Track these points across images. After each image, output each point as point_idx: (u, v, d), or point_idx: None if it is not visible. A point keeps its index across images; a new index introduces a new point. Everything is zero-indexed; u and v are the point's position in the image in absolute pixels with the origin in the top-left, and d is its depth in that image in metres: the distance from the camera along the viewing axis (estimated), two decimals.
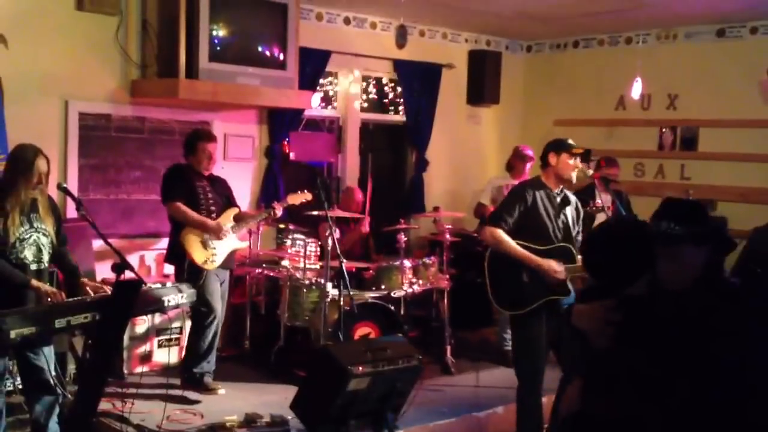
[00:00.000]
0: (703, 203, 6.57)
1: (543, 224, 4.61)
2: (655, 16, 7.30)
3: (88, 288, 4.20)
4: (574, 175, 4.69)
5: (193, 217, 5.34)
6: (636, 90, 7.15)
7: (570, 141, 4.73)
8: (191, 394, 5.37)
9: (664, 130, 7.93)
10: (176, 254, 5.42)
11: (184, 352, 5.73)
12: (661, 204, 2.66)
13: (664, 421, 2.43)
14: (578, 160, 4.68)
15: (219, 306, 5.45)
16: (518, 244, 4.55)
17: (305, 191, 5.91)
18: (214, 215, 5.49)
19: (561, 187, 4.71)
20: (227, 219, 5.56)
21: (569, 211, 4.72)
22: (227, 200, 5.67)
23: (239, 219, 5.64)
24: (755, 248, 6.55)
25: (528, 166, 6.94)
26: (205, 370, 5.46)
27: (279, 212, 5.74)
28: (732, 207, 7.27)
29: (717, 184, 7.49)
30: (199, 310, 5.37)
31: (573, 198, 4.81)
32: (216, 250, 5.43)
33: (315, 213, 5.99)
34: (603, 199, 6.39)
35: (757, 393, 2.44)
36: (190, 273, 5.28)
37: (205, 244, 5.38)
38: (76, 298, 4.06)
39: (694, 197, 6.78)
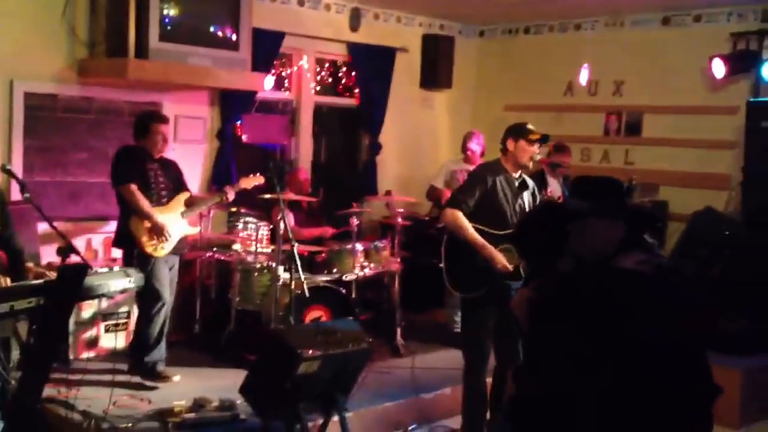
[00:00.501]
0: (627, 183, 6.78)
1: (501, 208, 4.67)
2: (604, 2, 7.41)
3: (32, 273, 4.14)
4: (531, 162, 4.76)
5: (142, 206, 5.24)
6: (583, 76, 7.27)
7: (529, 126, 4.76)
8: (140, 380, 5.30)
9: (610, 115, 8.08)
10: (124, 239, 5.35)
11: (132, 339, 5.69)
12: (573, 181, 2.73)
13: (597, 397, 2.47)
14: (537, 146, 4.74)
15: (168, 293, 5.40)
16: (475, 227, 4.60)
17: (257, 174, 5.88)
18: (164, 200, 5.43)
19: (519, 171, 4.78)
20: (178, 204, 5.50)
21: (527, 195, 4.79)
22: (178, 184, 5.61)
23: (190, 203, 5.59)
24: (694, 231, 6.75)
25: (470, 154, 7.02)
26: (156, 359, 5.39)
27: (231, 196, 5.70)
28: (673, 191, 7.46)
29: (659, 169, 7.65)
30: (148, 298, 5.31)
31: (531, 183, 4.87)
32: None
33: (267, 196, 5.97)
34: (552, 184, 6.49)
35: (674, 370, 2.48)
36: (138, 259, 5.22)
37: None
38: (19, 283, 3.99)
39: (637, 182, 6.94)
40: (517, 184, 4.75)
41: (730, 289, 6.11)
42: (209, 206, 5.94)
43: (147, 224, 5.26)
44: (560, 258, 2.63)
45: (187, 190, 5.68)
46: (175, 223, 5.42)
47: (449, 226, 4.72)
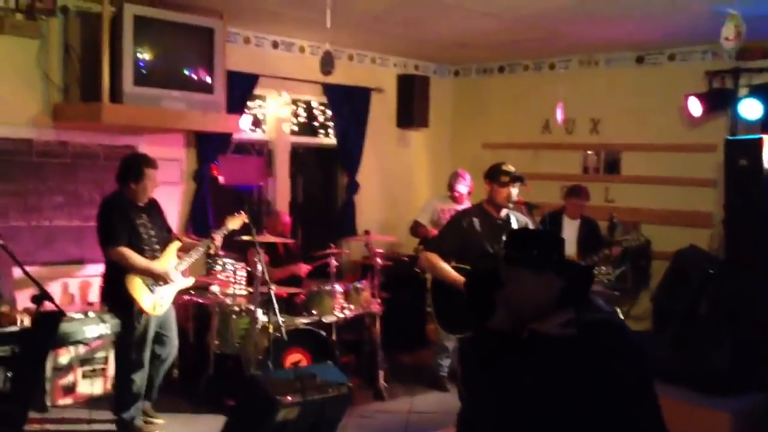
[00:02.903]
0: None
1: (482, 247, 4.74)
2: (577, 42, 7.49)
3: (7, 319, 4.05)
4: (509, 201, 4.80)
5: (139, 264, 5.10)
6: (559, 114, 7.33)
7: (504, 168, 4.80)
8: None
9: (588, 152, 8.13)
10: (120, 299, 5.12)
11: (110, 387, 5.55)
12: (510, 234, 2.70)
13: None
14: (511, 186, 4.77)
15: (148, 355, 5.25)
16: (460, 268, 4.61)
17: (240, 213, 5.76)
18: (158, 254, 5.28)
19: (505, 211, 4.80)
20: (171, 256, 5.36)
21: None
22: (167, 234, 5.48)
23: (183, 250, 5.45)
24: (678, 269, 6.74)
25: (457, 195, 7.00)
26: (133, 415, 5.23)
27: (219, 242, 5.56)
28: (654, 229, 7.43)
29: (639, 207, 7.67)
30: (129, 363, 5.16)
31: (523, 219, 4.90)
32: (163, 292, 5.24)
33: (244, 238, 5.90)
34: (569, 225, 6.52)
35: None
36: (136, 316, 5.09)
37: (152, 289, 5.17)
38: None
39: (618, 220, 6.93)
40: (499, 222, 4.77)
41: (717, 326, 6.05)
42: (200, 255, 5.74)
43: (145, 282, 5.13)
44: (493, 310, 2.53)
45: (176, 237, 5.56)
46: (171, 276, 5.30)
47: (426, 269, 4.77)
